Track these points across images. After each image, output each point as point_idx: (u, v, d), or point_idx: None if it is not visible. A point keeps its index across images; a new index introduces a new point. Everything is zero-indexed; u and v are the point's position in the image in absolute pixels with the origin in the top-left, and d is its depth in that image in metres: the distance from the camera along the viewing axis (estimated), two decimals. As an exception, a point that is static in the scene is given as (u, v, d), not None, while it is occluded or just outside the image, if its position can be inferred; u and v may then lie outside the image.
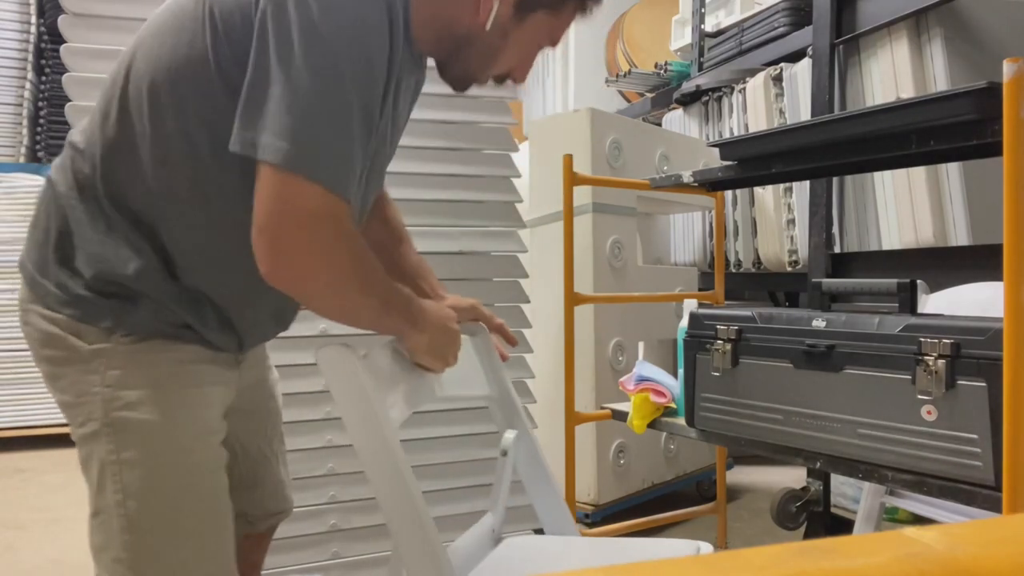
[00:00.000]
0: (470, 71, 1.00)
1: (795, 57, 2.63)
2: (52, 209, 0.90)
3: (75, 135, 0.93)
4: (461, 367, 1.21)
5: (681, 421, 1.47)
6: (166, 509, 0.88)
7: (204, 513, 0.91)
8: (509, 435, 1.21)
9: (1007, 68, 0.94)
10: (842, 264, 2.18)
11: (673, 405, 1.55)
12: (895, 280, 1.18)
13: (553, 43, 1.02)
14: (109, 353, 0.87)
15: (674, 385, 1.56)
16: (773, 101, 2.67)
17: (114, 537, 0.87)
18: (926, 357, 1.05)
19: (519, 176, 1.89)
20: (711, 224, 3.05)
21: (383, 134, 0.94)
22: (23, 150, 4.13)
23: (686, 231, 3.25)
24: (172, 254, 0.89)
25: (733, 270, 2.92)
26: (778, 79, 2.66)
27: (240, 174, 0.82)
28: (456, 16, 0.94)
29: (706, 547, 1.12)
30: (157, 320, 0.88)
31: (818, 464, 1.22)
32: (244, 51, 0.81)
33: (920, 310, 1.24)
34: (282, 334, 1.08)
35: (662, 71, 3.49)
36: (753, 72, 2.80)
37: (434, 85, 1.06)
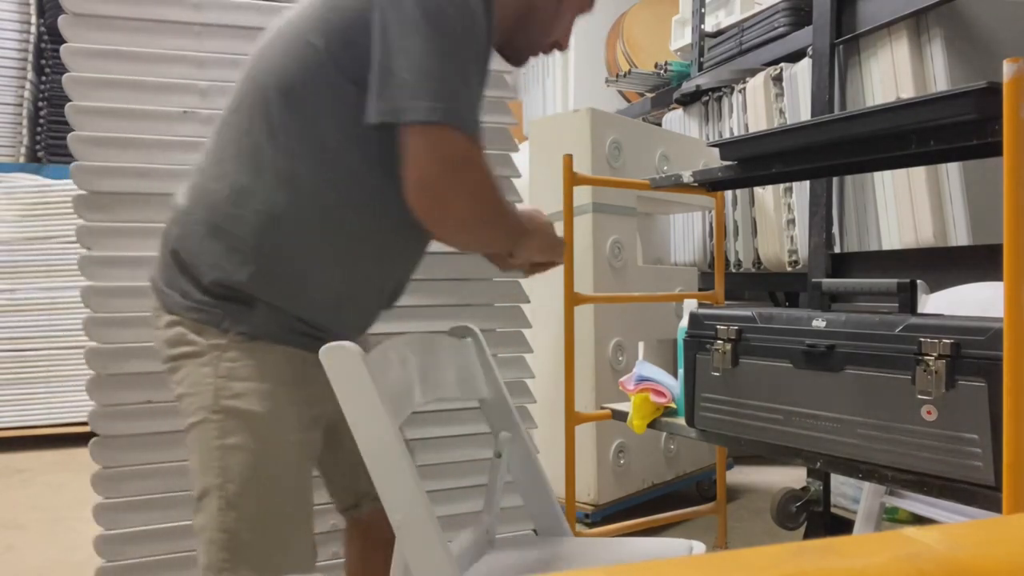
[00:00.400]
0: (533, 40, 1.10)
1: (795, 57, 2.63)
2: (176, 227, 0.99)
3: (199, 159, 1.03)
4: (456, 368, 1.21)
5: (681, 421, 1.47)
6: (263, 494, 0.94)
7: (295, 502, 0.97)
8: (503, 436, 1.21)
9: (1007, 68, 0.94)
10: (842, 264, 2.18)
11: (673, 405, 1.55)
12: (895, 280, 1.18)
13: (591, 8, 1.15)
14: (224, 348, 0.95)
15: (674, 385, 1.56)
16: (773, 101, 2.67)
17: (212, 518, 0.93)
18: (926, 357, 1.05)
19: (519, 176, 1.89)
20: (711, 224, 3.05)
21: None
22: (23, 150, 4.13)
23: (686, 231, 3.25)
24: (301, 250, 0.96)
25: (733, 270, 2.92)
26: (778, 79, 2.66)
27: (362, 155, 0.93)
28: None
29: (699, 546, 1.12)
30: (269, 322, 0.96)
31: (818, 464, 1.22)
32: (360, 44, 0.89)
33: (920, 310, 1.24)
34: None
35: (662, 71, 3.49)
36: (753, 72, 2.80)
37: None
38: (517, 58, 1.13)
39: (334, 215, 0.96)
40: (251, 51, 1.03)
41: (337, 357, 0.90)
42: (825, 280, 1.31)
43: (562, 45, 1.13)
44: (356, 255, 0.99)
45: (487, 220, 0.96)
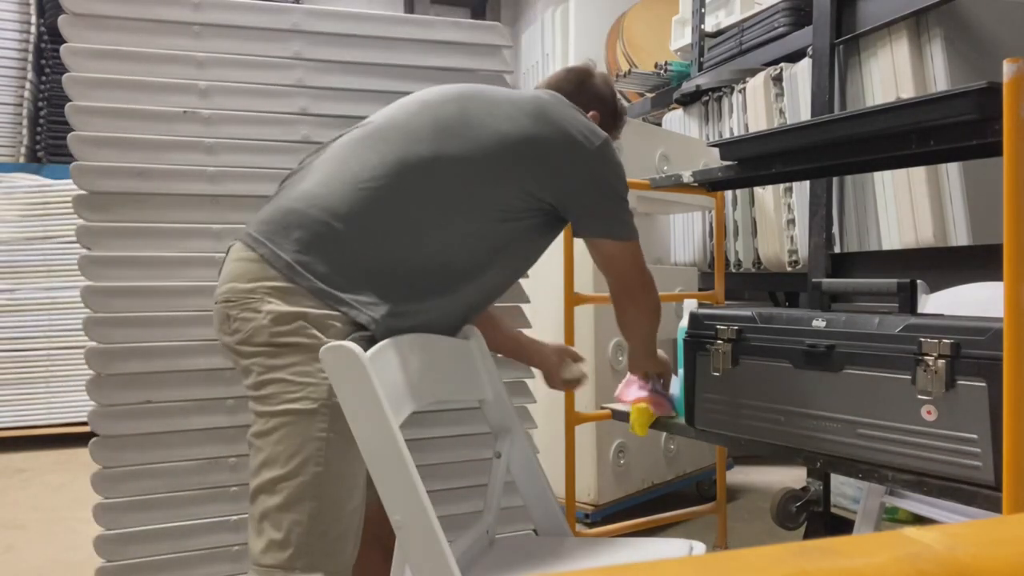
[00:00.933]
0: None
1: (795, 57, 2.63)
2: (331, 243, 1.10)
3: (356, 190, 1.15)
4: (456, 368, 1.21)
5: (681, 421, 1.47)
6: (348, 485, 1.06)
7: (363, 498, 1.09)
8: (503, 437, 1.21)
9: (1007, 68, 0.94)
10: (842, 264, 2.18)
11: (673, 413, 1.55)
12: (895, 280, 1.18)
13: (619, 136, 1.54)
14: None
15: (674, 386, 1.55)
16: (773, 101, 2.67)
17: (300, 502, 1.02)
18: (926, 357, 1.05)
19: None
20: (711, 224, 3.05)
21: None
22: (23, 150, 4.13)
23: (686, 231, 3.24)
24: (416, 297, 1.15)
25: (733, 270, 2.92)
26: (778, 79, 2.66)
27: (516, 238, 1.22)
28: None
29: (699, 547, 1.12)
30: (387, 333, 1.06)
31: (818, 464, 1.22)
32: (548, 180, 1.20)
33: (920, 310, 1.24)
34: None
35: (662, 71, 3.49)
36: (753, 72, 2.80)
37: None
38: None
39: (485, 271, 1.20)
40: (418, 106, 1.21)
41: (338, 356, 0.90)
42: (825, 280, 1.31)
43: None
44: (484, 297, 1.27)
45: (657, 309, 1.37)
